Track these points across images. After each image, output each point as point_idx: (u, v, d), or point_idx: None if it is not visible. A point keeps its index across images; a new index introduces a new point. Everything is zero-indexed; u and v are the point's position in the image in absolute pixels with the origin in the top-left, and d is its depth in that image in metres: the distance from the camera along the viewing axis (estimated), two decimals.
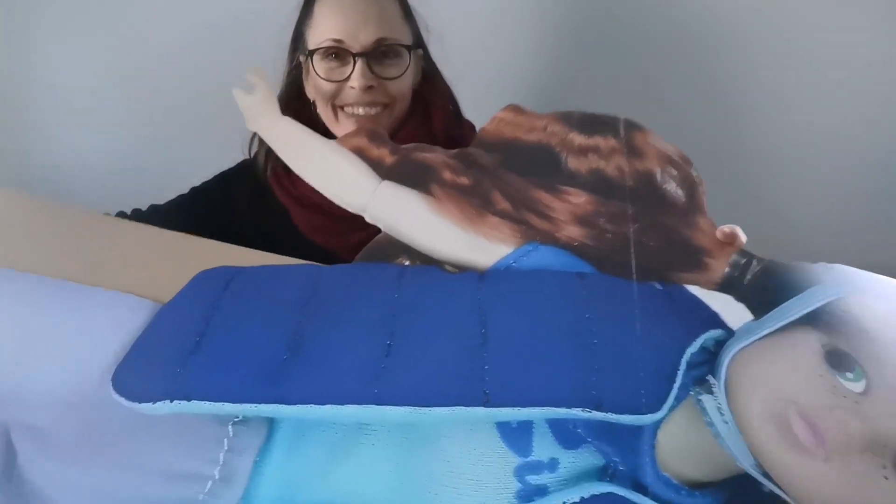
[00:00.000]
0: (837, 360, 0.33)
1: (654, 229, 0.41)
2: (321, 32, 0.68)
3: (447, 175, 0.42)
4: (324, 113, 0.70)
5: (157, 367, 0.35)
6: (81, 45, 1.09)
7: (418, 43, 0.75)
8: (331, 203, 0.58)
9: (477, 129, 0.82)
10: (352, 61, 0.67)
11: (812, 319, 0.35)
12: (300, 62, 0.72)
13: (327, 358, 0.34)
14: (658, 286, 0.39)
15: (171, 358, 0.35)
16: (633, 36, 1.08)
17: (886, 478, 0.32)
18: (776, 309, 0.36)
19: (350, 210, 0.42)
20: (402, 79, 0.70)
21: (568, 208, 0.41)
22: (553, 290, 0.38)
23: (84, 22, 1.07)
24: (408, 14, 0.74)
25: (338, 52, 0.67)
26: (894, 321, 0.34)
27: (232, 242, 0.68)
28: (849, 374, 0.33)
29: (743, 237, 0.43)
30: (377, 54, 0.68)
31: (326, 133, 0.66)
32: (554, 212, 0.40)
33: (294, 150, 0.44)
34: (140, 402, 0.33)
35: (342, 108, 0.69)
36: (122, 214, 0.69)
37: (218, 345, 0.36)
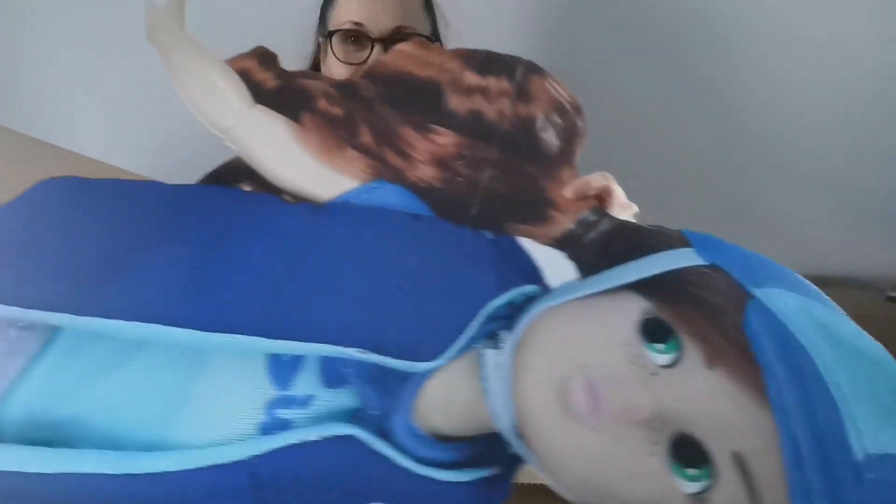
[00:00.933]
0: (652, 330, 0.31)
1: (510, 177, 0.39)
2: (342, 14, 0.69)
3: (322, 104, 0.40)
4: None
5: None
6: (82, 47, 1.09)
7: (436, 36, 0.75)
8: None
9: None
10: (370, 46, 0.68)
11: (645, 286, 0.32)
12: (320, 43, 0.74)
13: (133, 276, 0.33)
14: (489, 236, 0.37)
15: None
16: (632, 31, 1.08)
17: (652, 454, 0.30)
18: (608, 271, 0.34)
19: (212, 130, 0.40)
20: None
21: (430, 148, 0.39)
22: (378, 230, 0.36)
23: (87, 23, 1.07)
24: (428, 6, 0.75)
25: (357, 36, 0.68)
26: (735, 301, 0.31)
27: None
28: (659, 346, 0.31)
29: (615, 196, 0.41)
30: (395, 41, 0.68)
31: None
32: (414, 150, 0.38)
33: (175, 61, 0.41)
34: None
35: None
36: None
37: (30, 246, 0.35)
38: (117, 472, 0.30)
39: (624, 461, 0.30)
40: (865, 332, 0.33)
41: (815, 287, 0.34)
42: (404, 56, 0.44)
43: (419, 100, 0.41)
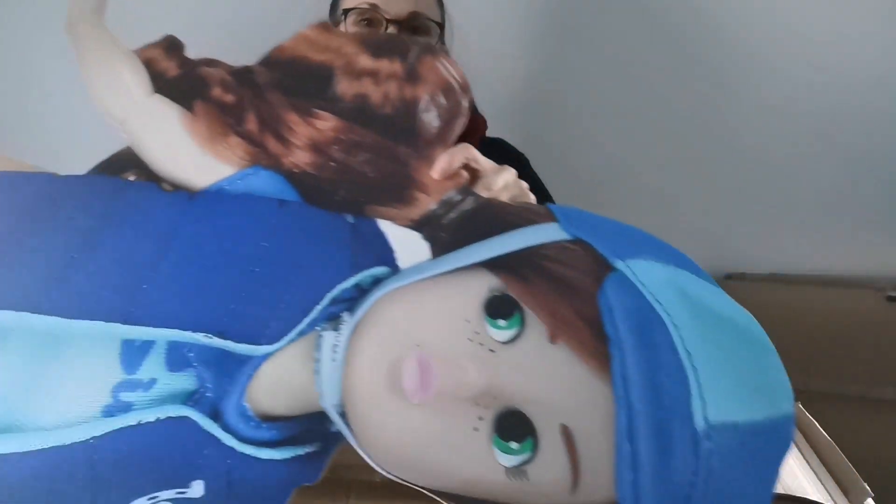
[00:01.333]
0: (496, 306, 0.31)
1: (382, 160, 0.38)
2: None
3: (216, 91, 0.40)
4: None
5: None
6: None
7: (443, 27, 0.76)
8: None
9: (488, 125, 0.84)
10: (384, 27, 0.69)
11: (500, 264, 0.32)
12: (334, 23, 0.75)
13: (10, 258, 0.33)
14: (350, 219, 0.37)
15: None
16: (629, 34, 1.08)
17: (476, 429, 0.30)
18: (461, 249, 0.34)
19: (110, 121, 0.40)
20: None
21: (310, 133, 0.38)
22: (245, 217, 0.36)
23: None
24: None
25: (371, 19, 0.70)
26: (594, 275, 0.30)
27: None
28: (501, 322, 0.30)
29: (482, 165, 0.41)
30: (409, 26, 0.70)
31: None
32: (294, 136, 0.38)
33: (85, 51, 0.41)
34: None
35: None
36: None
37: None
38: None
39: (448, 437, 0.30)
40: (734, 302, 0.33)
41: (688, 258, 0.34)
42: (304, 40, 0.43)
43: (309, 85, 0.41)
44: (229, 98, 0.40)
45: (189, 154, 0.38)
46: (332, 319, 0.35)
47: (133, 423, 0.32)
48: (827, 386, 1.04)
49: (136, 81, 0.40)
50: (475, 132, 0.80)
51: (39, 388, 0.34)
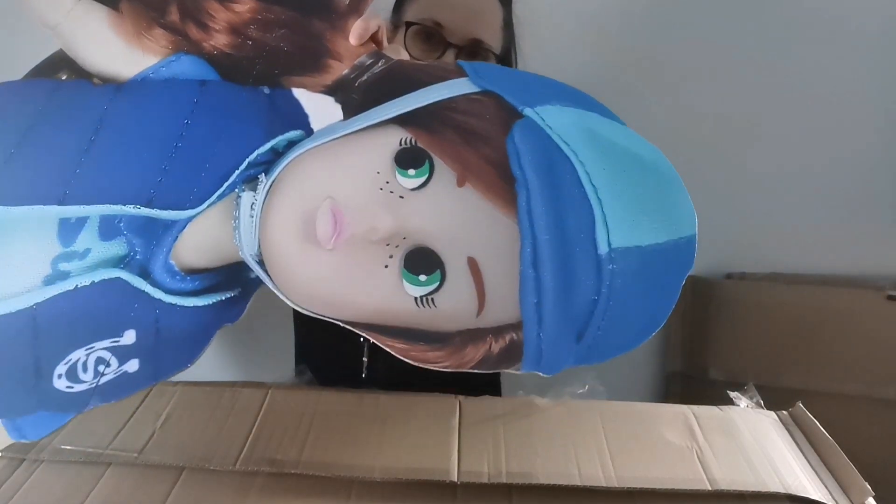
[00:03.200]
0: (406, 157, 0.33)
1: (296, 35, 0.40)
2: (425, 10, 0.69)
3: None
4: None
5: None
6: None
7: (507, 58, 0.75)
8: None
9: None
10: (442, 49, 0.67)
11: (411, 120, 0.34)
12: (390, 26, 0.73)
13: None
14: (266, 90, 0.39)
15: None
16: (632, 30, 1.08)
17: (386, 266, 0.33)
18: (373, 109, 0.36)
19: (42, 26, 0.41)
20: None
21: (228, 17, 0.40)
22: (168, 99, 0.38)
23: None
24: (508, 25, 0.74)
25: (432, 36, 0.67)
26: (503, 122, 0.33)
27: None
28: (410, 171, 0.33)
29: (383, 35, 0.42)
30: (468, 53, 0.68)
31: None
32: (214, 21, 0.40)
33: None
34: None
35: None
36: None
37: None
38: None
39: (359, 276, 0.34)
40: (642, 139, 0.36)
41: (597, 101, 0.37)
42: None
43: None
44: None
45: (117, 49, 0.40)
46: (249, 181, 0.38)
47: (70, 287, 0.36)
48: (827, 385, 1.04)
49: None
50: None
51: None
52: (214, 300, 0.41)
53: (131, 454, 0.49)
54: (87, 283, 0.37)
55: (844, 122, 1.10)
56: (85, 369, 0.38)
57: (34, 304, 0.36)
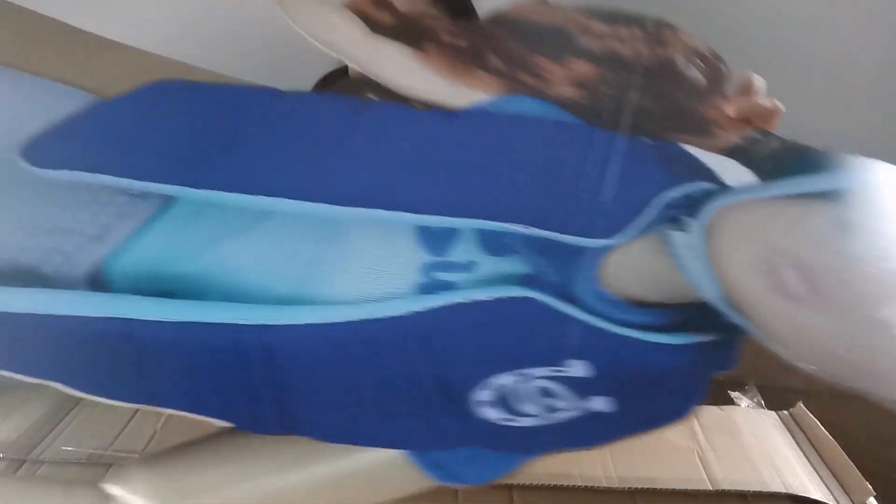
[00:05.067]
0: (849, 228, 0.32)
1: (661, 98, 0.40)
2: None
3: (445, 37, 0.43)
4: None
5: (74, 142, 0.37)
6: None
7: None
8: None
9: None
10: None
11: (830, 196, 0.34)
12: None
13: (257, 155, 0.35)
14: (648, 141, 0.38)
15: (91, 136, 0.37)
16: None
17: None
18: (792, 177, 0.35)
19: (334, 54, 0.42)
20: None
21: (567, 73, 0.40)
22: (527, 129, 0.37)
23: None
24: None
25: None
26: None
27: None
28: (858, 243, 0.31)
29: (773, 112, 0.42)
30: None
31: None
32: (550, 74, 0.40)
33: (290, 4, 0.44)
34: (43, 168, 0.35)
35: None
36: None
37: (143, 132, 0.37)
38: (250, 322, 0.33)
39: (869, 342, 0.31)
40: None
41: None
42: (524, 8, 0.45)
43: (549, 40, 0.43)
44: (462, 42, 0.42)
45: (435, 82, 0.40)
46: (668, 221, 0.35)
47: (463, 300, 0.33)
48: (828, 385, 1.04)
49: (355, 25, 0.43)
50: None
51: (321, 265, 0.36)
52: (692, 340, 0.36)
53: (132, 455, 0.49)
54: (488, 299, 0.34)
55: (845, 122, 1.10)
56: (524, 400, 0.35)
57: (412, 313, 0.33)
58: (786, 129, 1.20)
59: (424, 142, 0.36)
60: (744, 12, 1.05)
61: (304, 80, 0.77)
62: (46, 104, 0.42)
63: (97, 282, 0.38)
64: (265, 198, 0.33)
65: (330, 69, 0.78)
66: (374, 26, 0.43)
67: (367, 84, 0.43)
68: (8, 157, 0.37)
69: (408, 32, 0.43)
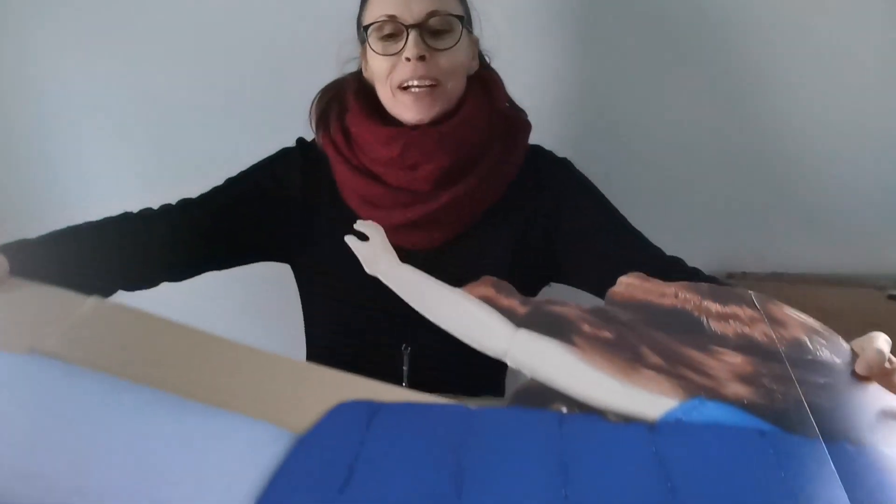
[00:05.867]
0: None
1: (822, 390, 0.40)
2: (376, 10, 0.71)
3: (586, 328, 0.43)
4: (382, 94, 0.74)
5: (309, 491, 0.35)
6: (80, 56, 1.09)
7: (469, 20, 0.76)
8: (388, 174, 0.70)
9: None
10: (405, 34, 0.69)
11: None
12: (362, 47, 0.76)
13: (497, 497, 0.34)
14: (849, 446, 0.37)
15: (319, 495, 0.35)
16: (644, 33, 1.08)
17: None
18: None
19: (490, 354, 0.43)
20: (455, 50, 0.72)
21: (725, 367, 0.40)
22: (736, 446, 0.37)
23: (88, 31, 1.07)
24: None
25: (392, 30, 0.70)
26: None
27: (272, 220, 0.68)
28: None
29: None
30: (429, 27, 0.70)
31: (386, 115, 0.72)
32: (712, 369, 0.40)
33: (421, 295, 0.46)
34: None
35: (399, 87, 0.72)
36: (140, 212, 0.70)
37: (372, 481, 0.35)
38: None
39: None
40: None
41: None
42: (634, 287, 0.46)
43: (682, 324, 0.43)
44: (606, 334, 0.42)
45: (612, 386, 0.40)
46: None
47: None
48: None
49: (495, 318, 0.43)
50: (524, 131, 0.80)
51: None
52: None
53: None
54: None
55: (845, 122, 1.10)
56: None
57: None
58: (791, 128, 1.19)
59: (651, 469, 0.35)
60: (744, 12, 1.05)
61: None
62: (258, 449, 0.38)
63: None
64: None
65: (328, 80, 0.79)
66: (509, 315, 0.44)
67: (548, 389, 0.41)
68: None
69: (545, 322, 0.43)
